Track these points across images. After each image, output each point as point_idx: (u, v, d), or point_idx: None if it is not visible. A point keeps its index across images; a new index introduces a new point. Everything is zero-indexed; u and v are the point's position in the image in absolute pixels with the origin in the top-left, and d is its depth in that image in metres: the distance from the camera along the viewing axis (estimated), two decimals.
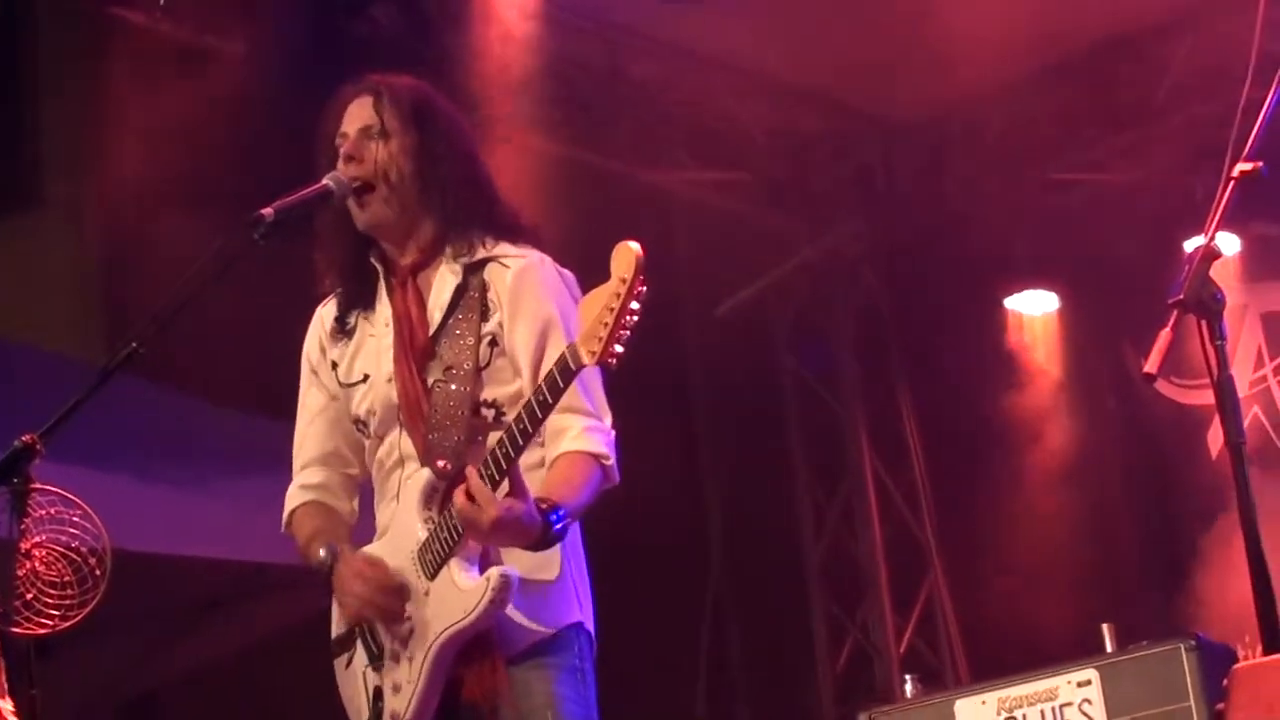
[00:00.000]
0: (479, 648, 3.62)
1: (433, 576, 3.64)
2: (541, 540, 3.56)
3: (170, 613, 7.70)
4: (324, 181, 3.84)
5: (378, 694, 3.73)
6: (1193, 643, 4.87)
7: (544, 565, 3.69)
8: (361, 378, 3.89)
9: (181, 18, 6.95)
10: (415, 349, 3.80)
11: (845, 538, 9.22)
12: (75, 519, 4.13)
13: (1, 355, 6.66)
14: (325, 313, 4.02)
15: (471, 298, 3.81)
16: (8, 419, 3.91)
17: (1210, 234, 3.42)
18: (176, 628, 7.90)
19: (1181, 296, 3.33)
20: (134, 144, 6.60)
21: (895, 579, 9.11)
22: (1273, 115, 3.50)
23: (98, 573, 4.14)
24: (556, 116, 7.78)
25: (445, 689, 3.65)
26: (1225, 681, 3.17)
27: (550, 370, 3.47)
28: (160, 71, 6.67)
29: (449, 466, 3.66)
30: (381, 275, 3.92)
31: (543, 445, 3.72)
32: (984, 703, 5.23)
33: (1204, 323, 3.37)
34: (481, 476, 3.50)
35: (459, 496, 3.51)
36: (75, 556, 4.13)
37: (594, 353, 3.35)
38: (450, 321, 3.81)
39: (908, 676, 5.62)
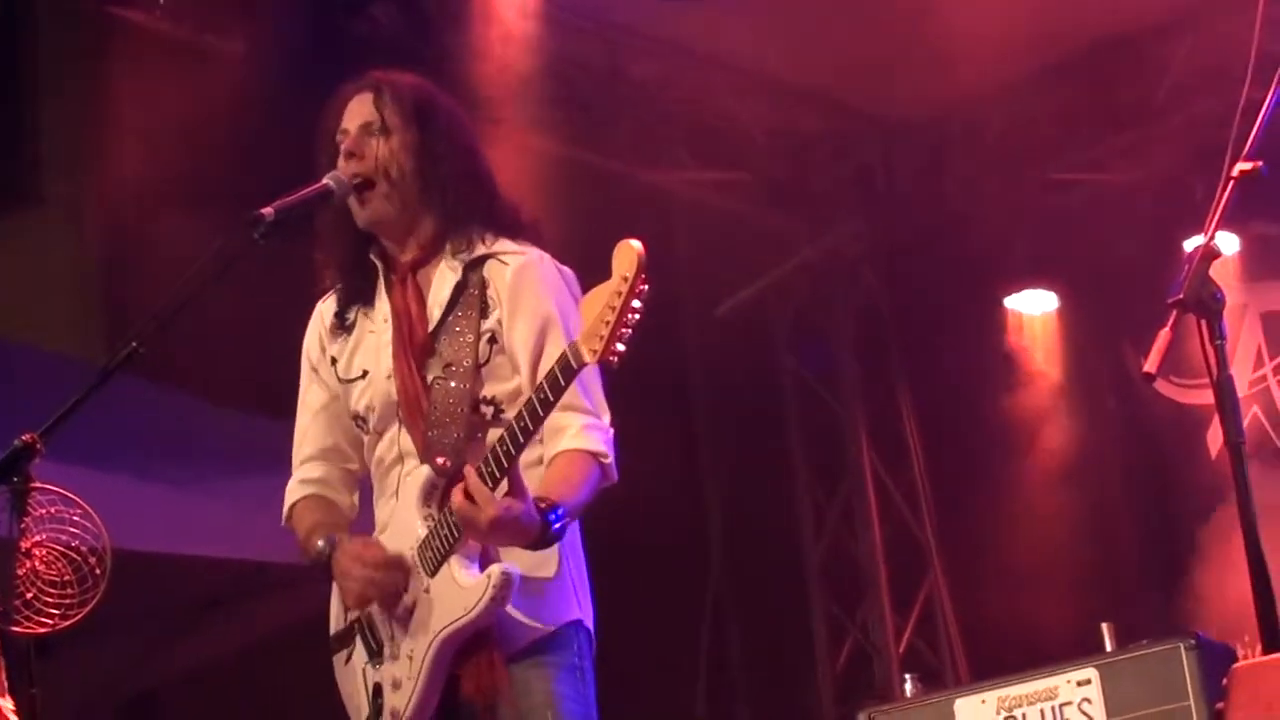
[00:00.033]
0: (478, 645, 3.62)
1: (433, 574, 3.64)
2: (540, 540, 3.56)
3: (170, 612, 7.71)
4: (324, 181, 3.85)
5: (377, 690, 3.73)
6: (1192, 642, 4.87)
7: (543, 563, 3.69)
8: (360, 373, 3.90)
9: (181, 17, 6.96)
10: (414, 345, 3.80)
11: (845, 538, 9.22)
12: (75, 518, 4.13)
13: (1, 355, 6.66)
14: (325, 308, 4.02)
15: (471, 295, 3.81)
16: (8, 418, 3.91)
17: (1210, 233, 3.42)
18: (176, 627, 7.92)
19: (1181, 296, 3.33)
20: (134, 144, 6.61)
21: (895, 579, 9.11)
22: (1272, 115, 3.50)
23: (98, 572, 4.14)
24: (556, 116, 7.79)
25: (445, 686, 3.65)
26: (1225, 681, 3.17)
27: (552, 368, 3.47)
28: (160, 71, 6.67)
29: (448, 463, 3.66)
30: (381, 272, 3.92)
31: (541, 443, 3.71)
32: (984, 702, 5.23)
33: (1204, 322, 3.37)
34: (481, 475, 3.50)
35: (457, 495, 3.51)
36: (75, 555, 4.13)
37: (595, 351, 3.35)
38: (450, 318, 3.81)
39: (907, 676, 5.62)
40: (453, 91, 4.15)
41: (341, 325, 3.96)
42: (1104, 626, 5.09)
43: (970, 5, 7.38)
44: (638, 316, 3.35)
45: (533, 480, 3.63)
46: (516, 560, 3.62)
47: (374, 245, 3.94)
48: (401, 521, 3.74)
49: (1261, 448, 7.98)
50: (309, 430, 4.02)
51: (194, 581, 7.48)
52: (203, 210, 5.82)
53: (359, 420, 3.91)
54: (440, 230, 3.88)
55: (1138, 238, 8.16)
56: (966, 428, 8.92)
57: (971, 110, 8.67)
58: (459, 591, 3.59)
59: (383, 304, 3.90)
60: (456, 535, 3.59)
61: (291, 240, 3.80)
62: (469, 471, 3.51)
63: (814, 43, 7.97)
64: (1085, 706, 5.02)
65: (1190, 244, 3.50)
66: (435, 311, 3.83)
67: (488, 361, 3.77)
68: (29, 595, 4.03)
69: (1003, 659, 7.10)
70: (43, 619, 4.04)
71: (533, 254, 3.85)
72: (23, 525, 3.84)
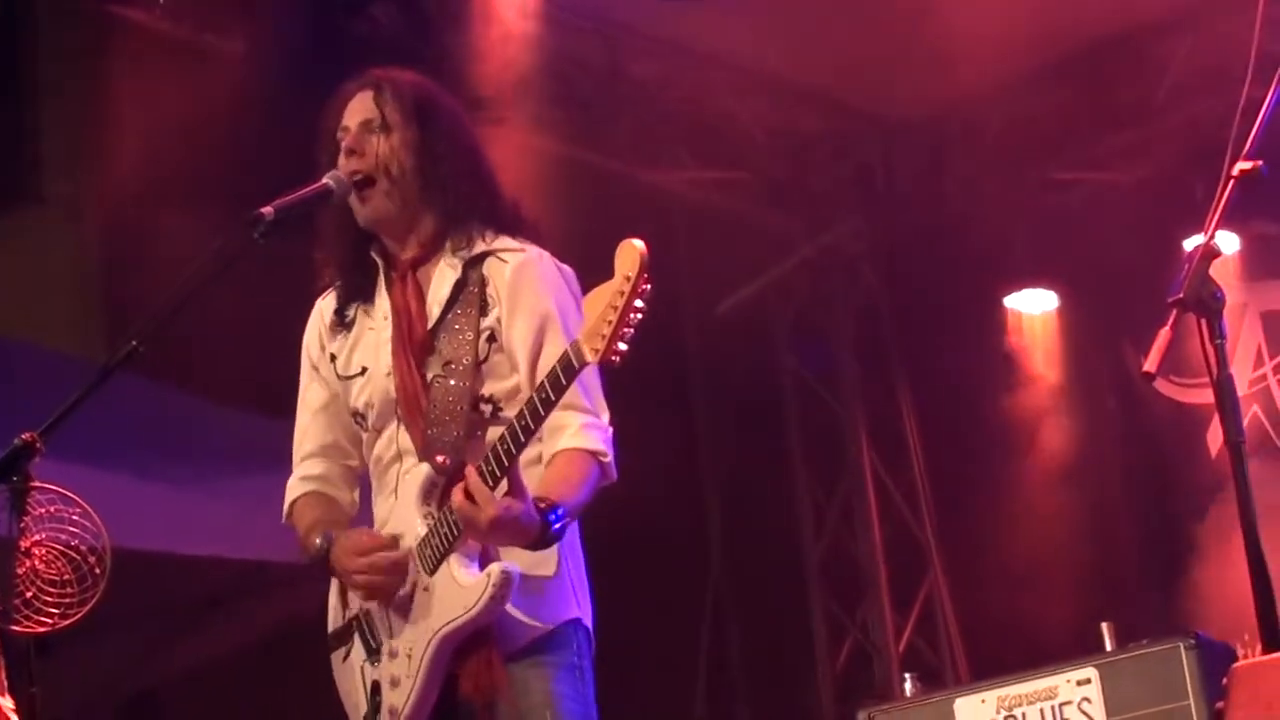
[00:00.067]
0: (477, 644, 3.61)
1: (432, 572, 3.64)
2: (540, 540, 3.56)
3: (170, 611, 7.71)
4: (324, 180, 3.85)
5: (375, 688, 3.73)
6: (1192, 641, 4.87)
7: (542, 561, 3.69)
8: (359, 370, 3.90)
9: (181, 17, 6.96)
10: (414, 343, 3.80)
11: (845, 537, 9.22)
12: (75, 517, 4.13)
13: (1, 354, 6.66)
14: (325, 305, 4.02)
15: (471, 293, 3.81)
16: (8, 417, 3.91)
17: (1210, 233, 3.41)
18: (177, 626, 7.92)
19: (1181, 295, 3.33)
20: (134, 143, 6.60)
21: (895, 578, 9.10)
22: (1272, 115, 3.50)
23: (97, 571, 4.14)
24: (556, 116, 7.79)
25: (443, 685, 3.65)
26: (1225, 680, 3.17)
27: (553, 367, 3.47)
28: (160, 71, 6.67)
29: (448, 462, 3.66)
30: (381, 269, 3.92)
31: (540, 441, 3.71)
32: (983, 701, 5.23)
33: (1204, 321, 3.37)
34: (481, 474, 3.50)
35: (458, 495, 3.51)
36: (75, 555, 4.13)
37: (597, 350, 3.35)
38: (449, 316, 3.81)
39: (907, 675, 5.62)
40: (453, 91, 4.15)
41: (341, 322, 3.96)
42: (1104, 626, 5.09)
43: (970, 5, 7.38)
44: (640, 316, 3.34)
45: (532, 478, 3.62)
46: (516, 559, 3.61)
47: (374, 243, 3.94)
48: (401, 519, 3.74)
49: (1261, 447, 7.98)
50: (309, 427, 4.02)
51: (194, 581, 7.48)
52: (203, 210, 5.81)
53: (358, 417, 3.91)
54: (440, 228, 3.88)
55: (1138, 237, 8.16)
56: (966, 427, 8.92)
57: (971, 110, 8.67)
58: (458, 590, 3.59)
59: (382, 301, 3.89)
60: (456, 534, 3.59)
61: (291, 239, 3.80)
62: (470, 471, 3.51)
63: (814, 42, 7.98)
64: (1085, 706, 5.02)
65: (1190, 243, 3.49)
66: (435, 309, 3.82)
67: (487, 359, 3.77)
68: (29, 594, 4.02)
69: (1002, 659, 7.11)
70: (42, 618, 4.04)
71: (532, 251, 3.85)
72: (22, 524, 3.83)
